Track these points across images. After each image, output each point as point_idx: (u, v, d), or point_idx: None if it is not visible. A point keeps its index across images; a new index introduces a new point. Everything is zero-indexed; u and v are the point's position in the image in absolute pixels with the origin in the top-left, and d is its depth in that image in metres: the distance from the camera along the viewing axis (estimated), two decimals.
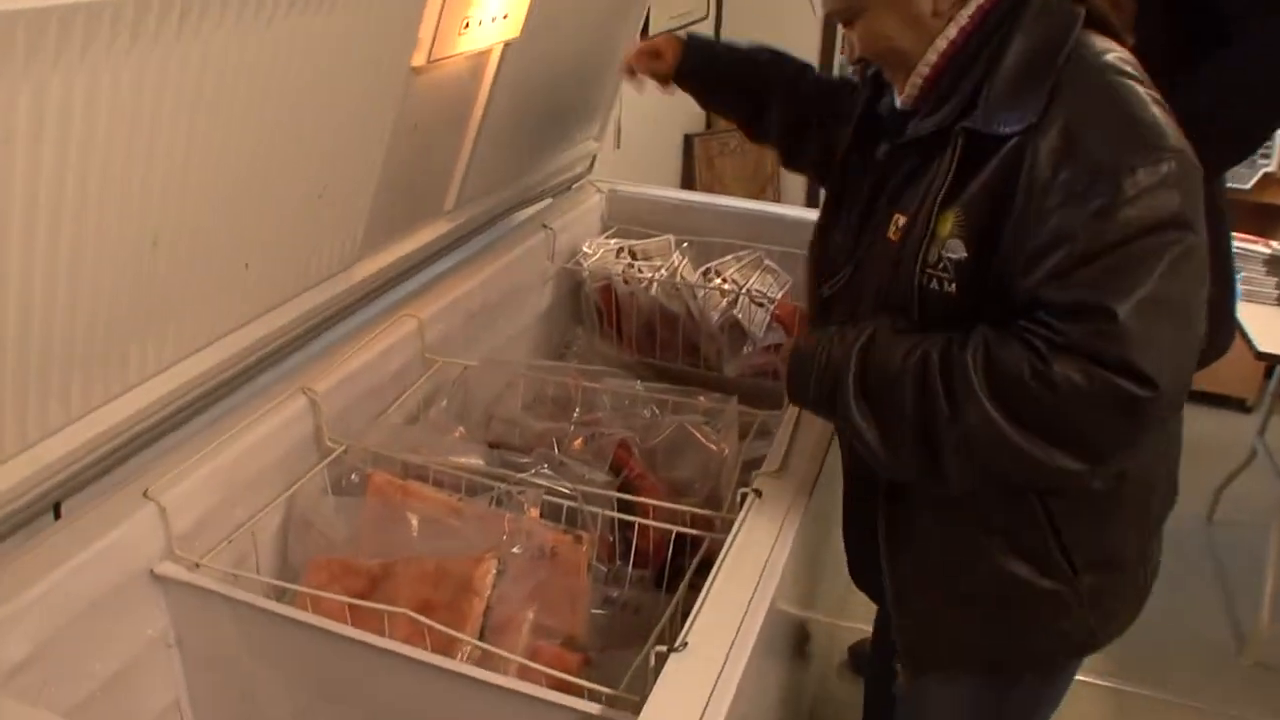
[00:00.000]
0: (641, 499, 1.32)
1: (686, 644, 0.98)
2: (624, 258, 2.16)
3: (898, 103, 1.15)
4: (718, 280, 2.12)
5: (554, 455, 1.32)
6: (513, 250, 1.87)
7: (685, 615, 1.04)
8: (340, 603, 1.12)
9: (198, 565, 1.14)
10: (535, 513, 1.25)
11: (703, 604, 1.03)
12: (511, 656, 1.09)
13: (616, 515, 1.28)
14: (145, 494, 1.12)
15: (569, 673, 1.15)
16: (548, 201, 2.14)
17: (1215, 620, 2.55)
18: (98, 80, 0.84)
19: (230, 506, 1.23)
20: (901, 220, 1.10)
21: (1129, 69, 1.01)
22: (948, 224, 1.03)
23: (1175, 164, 0.95)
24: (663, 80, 1.60)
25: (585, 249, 2.11)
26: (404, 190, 1.49)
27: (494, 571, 1.17)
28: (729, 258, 2.18)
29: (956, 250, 1.02)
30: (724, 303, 2.10)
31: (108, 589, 1.06)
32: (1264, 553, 2.49)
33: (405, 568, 1.21)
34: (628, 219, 2.26)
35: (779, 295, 2.13)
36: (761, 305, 2.11)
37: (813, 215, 2.32)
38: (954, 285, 1.03)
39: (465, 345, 1.71)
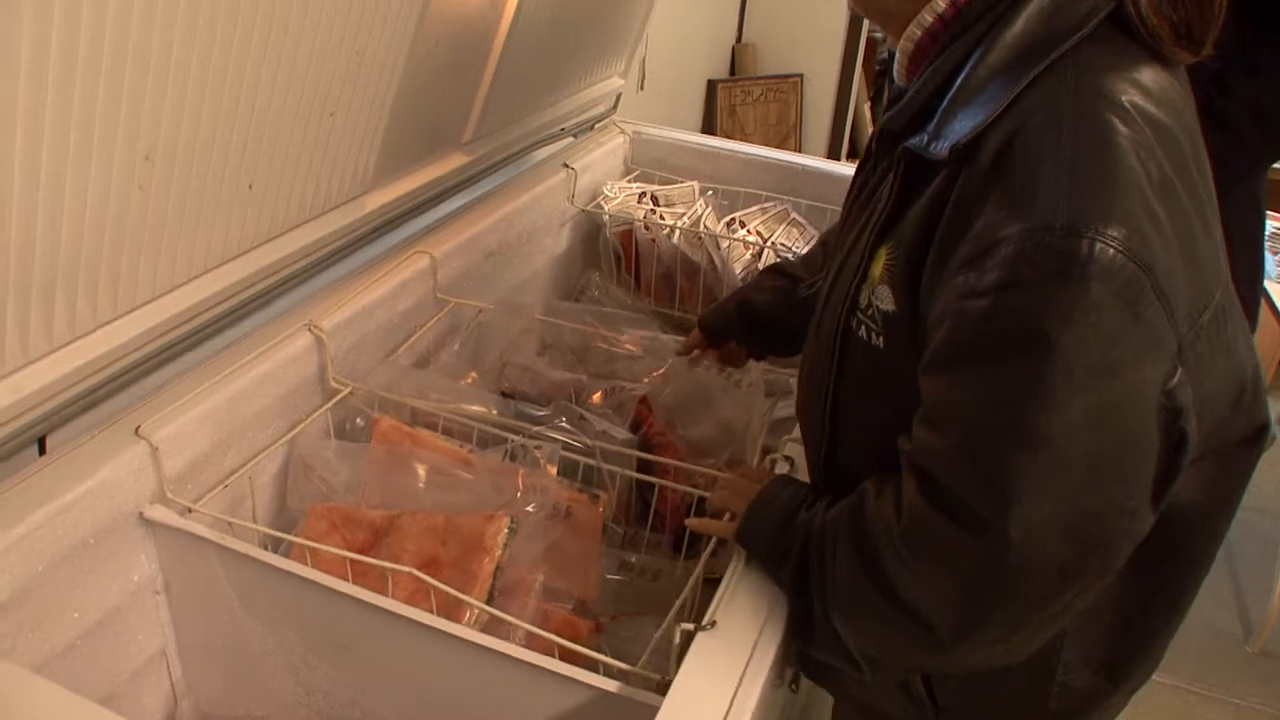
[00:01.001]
0: (664, 459, 1.25)
1: (715, 622, 0.91)
2: (646, 202, 2.07)
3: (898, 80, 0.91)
4: (742, 231, 2.03)
5: (573, 408, 1.24)
6: (532, 189, 1.77)
7: (707, 585, 0.97)
8: (341, 557, 1.05)
9: (190, 510, 1.06)
10: (553, 469, 1.17)
11: (732, 579, 0.96)
12: (523, 624, 1.01)
13: (636, 476, 1.21)
14: (136, 431, 1.04)
15: (578, 639, 1.08)
16: (569, 140, 2.04)
17: (1224, 607, 2.50)
18: None
19: (226, 447, 1.15)
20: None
21: (1129, 101, 0.73)
22: (880, 264, 0.82)
23: (1103, 250, 0.68)
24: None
25: (606, 191, 2.02)
26: (421, 116, 1.39)
27: (506, 530, 1.09)
28: (754, 208, 2.09)
29: (885, 300, 0.82)
30: (747, 255, 2.02)
31: (93, 531, 0.98)
32: (1277, 540, 2.44)
33: (411, 521, 1.13)
34: (651, 163, 2.16)
35: (804, 250, 2.04)
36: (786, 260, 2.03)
37: (842, 169, 2.24)
38: (881, 339, 0.84)
39: (478, 285, 1.62)
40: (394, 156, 1.37)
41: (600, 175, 2.04)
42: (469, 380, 1.35)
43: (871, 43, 3.78)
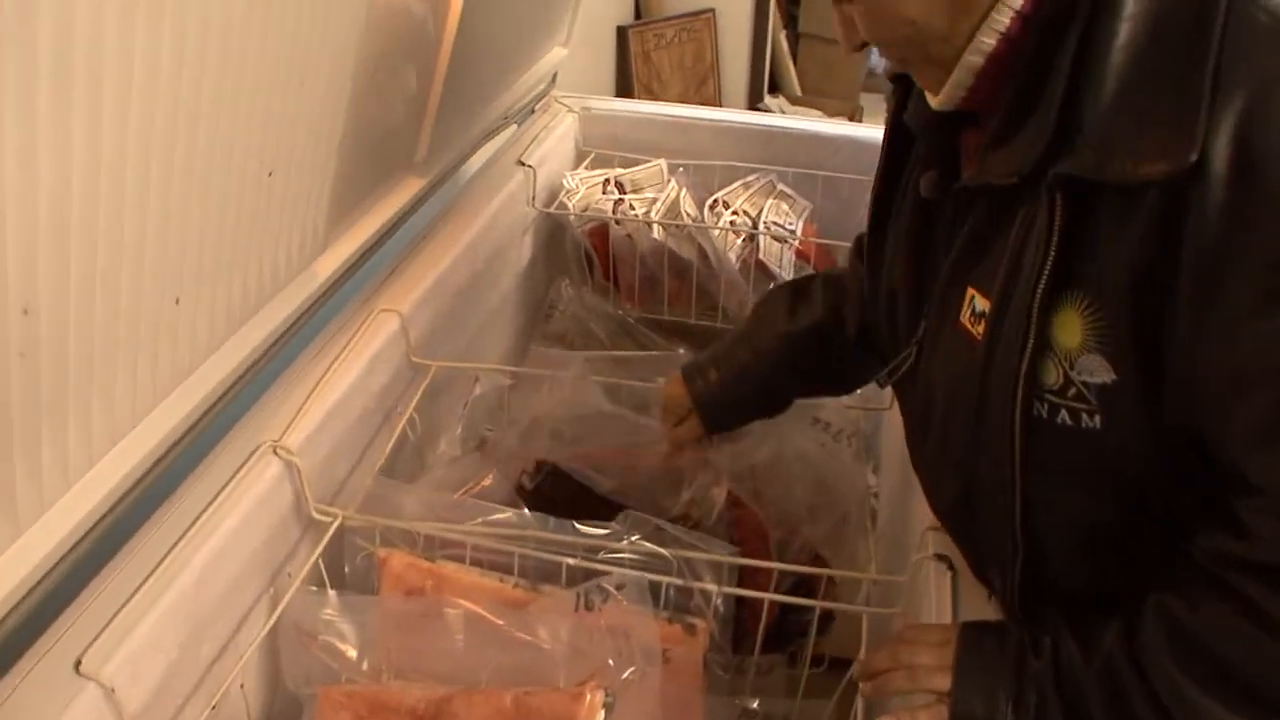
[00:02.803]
0: (755, 562, 0.98)
1: None
2: (611, 191, 1.77)
3: (931, 102, 0.75)
4: (727, 214, 1.76)
5: (644, 518, 0.96)
6: (490, 201, 1.46)
7: None
8: None
9: None
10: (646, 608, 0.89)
11: None
12: None
13: (741, 593, 0.95)
14: (78, 669, 0.73)
15: None
16: (512, 130, 1.72)
17: None
18: None
19: (200, 641, 0.85)
20: (980, 303, 0.72)
21: None
22: (1073, 329, 0.65)
23: None
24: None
25: (566, 184, 1.71)
26: (369, 147, 1.07)
27: (603, 709, 0.82)
28: (736, 184, 1.81)
29: (1095, 371, 0.64)
30: (738, 242, 1.75)
31: None
32: None
33: (468, 706, 0.85)
34: (607, 141, 1.86)
35: (799, 227, 1.78)
36: (783, 241, 1.76)
37: (827, 127, 1.98)
38: (1098, 418, 0.66)
39: (451, 333, 1.32)
40: (344, 203, 1.05)
41: (556, 167, 1.74)
42: (487, 482, 1.05)
43: None
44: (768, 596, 0.94)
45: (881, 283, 0.89)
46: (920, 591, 0.89)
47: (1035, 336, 0.66)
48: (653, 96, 3.14)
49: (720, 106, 3.38)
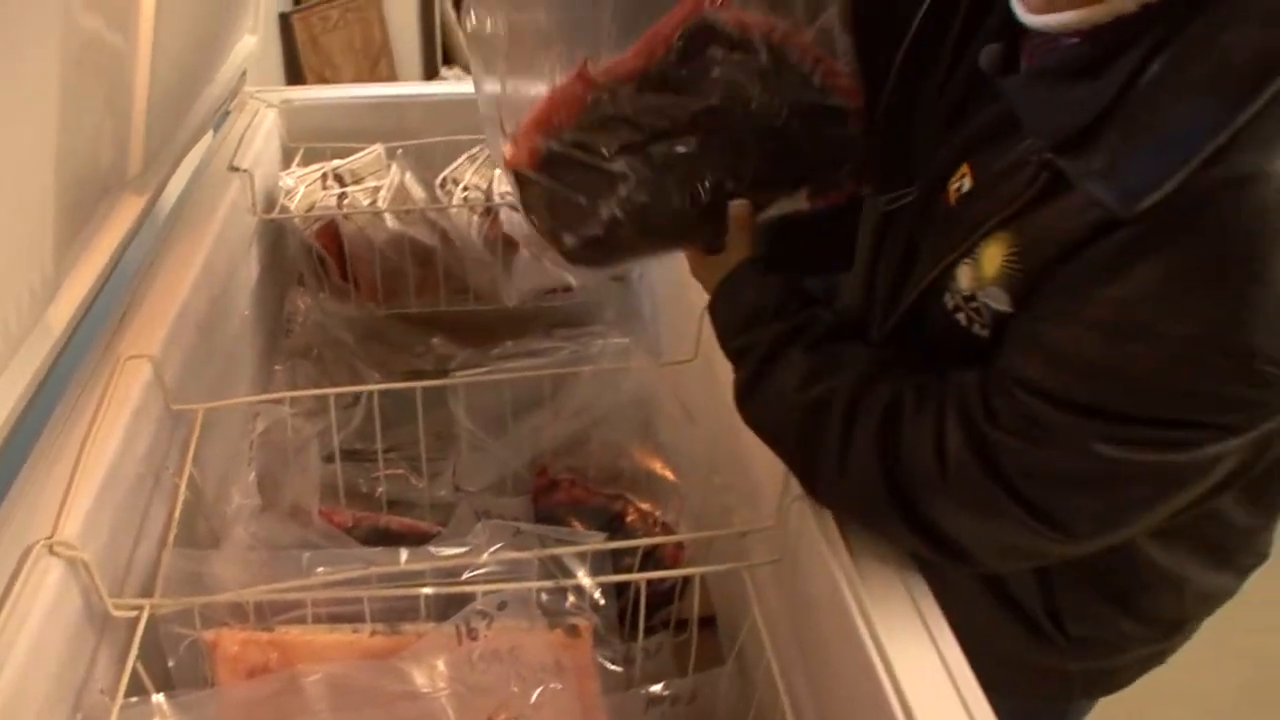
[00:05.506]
0: (644, 541, 0.94)
1: None
2: (332, 186, 1.63)
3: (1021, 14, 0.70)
4: (459, 190, 1.67)
5: (506, 524, 0.89)
6: (214, 215, 1.30)
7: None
8: None
9: None
10: (535, 621, 0.82)
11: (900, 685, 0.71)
12: None
13: (624, 579, 0.90)
14: None
15: None
16: (209, 136, 1.53)
17: None
18: None
19: None
20: (969, 184, 0.74)
21: None
22: (994, 263, 0.69)
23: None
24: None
25: (284, 185, 1.56)
26: (85, 165, 0.90)
27: None
28: (462, 159, 1.73)
29: (998, 300, 0.70)
30: (475, 218, 1.67)
31: None
32: None
33: None
34: (314, 134, 1.71)
35: None
36: (519, 209, 1.70)
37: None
38: (987, 332, 0.71)
39: (199, 370, 1.15)
40: (68, 235, 0.88)
41: (268, 169, 1.58)
42: (319, 517, 0.93)
43: None
44: (643, 577, 0.89)
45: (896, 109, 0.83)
46: (795, 533, 0.88)
47: (969, 245, 0.71)
48: (326, 84, 2.94)
49: None
